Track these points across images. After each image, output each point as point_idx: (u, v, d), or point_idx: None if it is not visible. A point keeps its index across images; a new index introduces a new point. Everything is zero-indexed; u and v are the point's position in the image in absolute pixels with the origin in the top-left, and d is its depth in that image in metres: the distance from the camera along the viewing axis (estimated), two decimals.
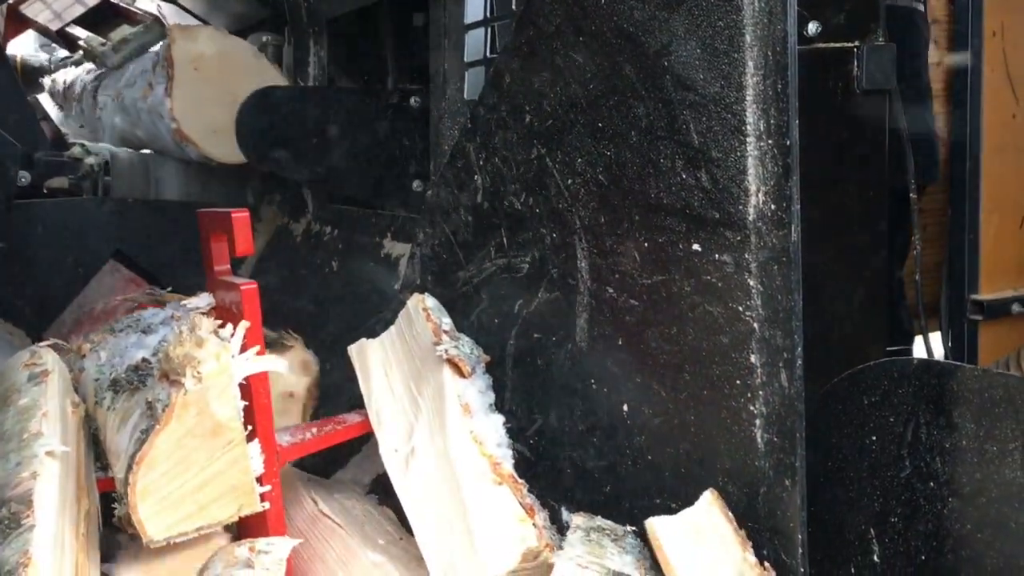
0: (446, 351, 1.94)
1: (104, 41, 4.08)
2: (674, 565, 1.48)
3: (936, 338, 3.09)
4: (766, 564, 1.48)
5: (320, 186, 3.22)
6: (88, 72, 4.13)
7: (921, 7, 2.86)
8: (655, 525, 1.53)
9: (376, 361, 2.13)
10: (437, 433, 1.88)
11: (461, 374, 1.94)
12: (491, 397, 1.99)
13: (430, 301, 2.11)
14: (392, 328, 2.16)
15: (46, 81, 4.73)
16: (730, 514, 1.53)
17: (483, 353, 2.02)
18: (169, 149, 3.33)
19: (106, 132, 3.79)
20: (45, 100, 4.89)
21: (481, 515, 1.74)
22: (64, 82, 4.40)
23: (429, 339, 2.02)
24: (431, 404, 1.93)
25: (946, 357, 3.15)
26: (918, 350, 3.00)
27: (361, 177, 2.97)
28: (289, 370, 1.97)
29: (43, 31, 4.80)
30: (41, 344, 2.08)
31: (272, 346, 1.95)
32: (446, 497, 1.80)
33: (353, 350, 2.21)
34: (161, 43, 3.15)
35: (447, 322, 2.07)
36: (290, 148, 2.94)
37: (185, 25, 3.17)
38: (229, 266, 2.05)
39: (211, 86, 3.12)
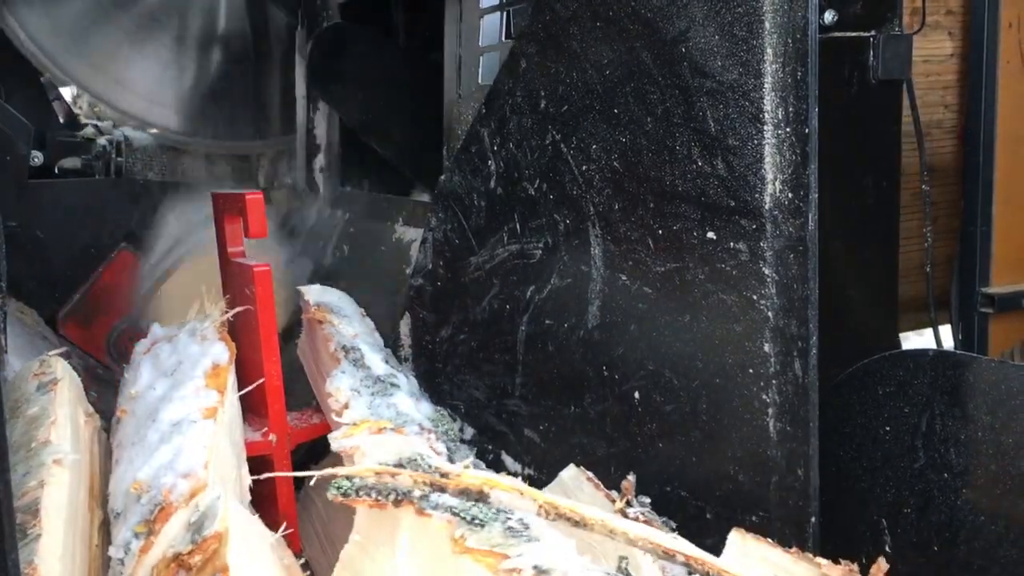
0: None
1: None
2: None
3: (945, 331, 3.08)
4: None
5: (362, 133, 3.20)
6: None
7: None
8: None
9: None
10: None
11: None
12: None
13: None
14: None
15: None
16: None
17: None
18: None
19: None
20: None
21: None
22: None
23: None
24: None
25: (955, 350, 3.14)
26: (927, 342, 2.99)
27: (399, 141, 2.99)
28: None
29: None
30: (51, 353, 2.06)
31: None
32: None
33: None
34: None
35: None
36: (349, 86, 2.96)
37: None
38: (243, 247, 2.06)
39: None
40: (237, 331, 2.06)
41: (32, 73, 3.29)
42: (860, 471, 1.61)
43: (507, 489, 1.35)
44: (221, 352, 1.95)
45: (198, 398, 1.82)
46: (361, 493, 1.37)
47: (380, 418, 1.86)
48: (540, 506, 1.33)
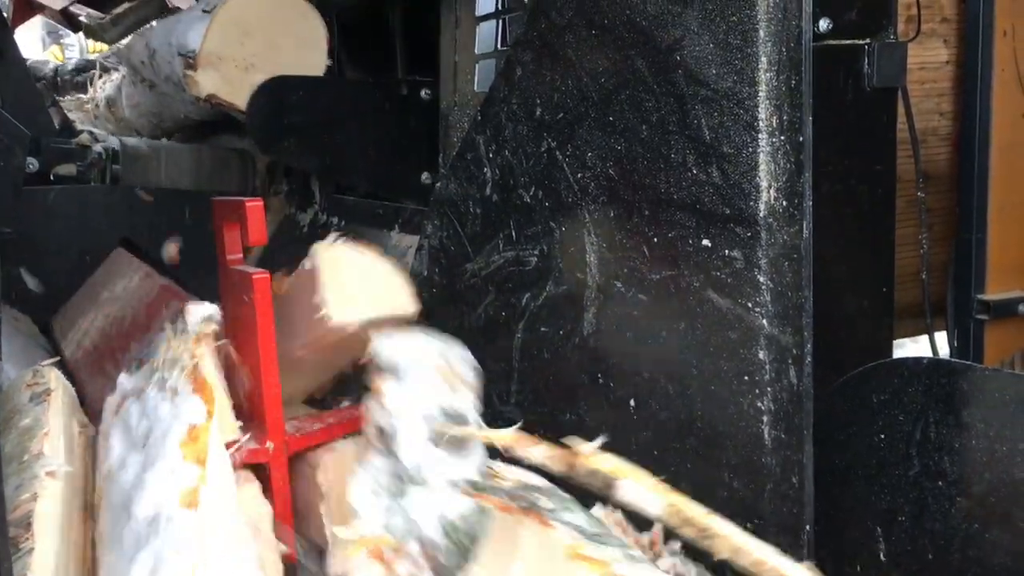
0: None
1: (103, 16, 4.09)
2: None
3: (942, 338, 3.08)
4: None
5: (328, 176, 3.21)
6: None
7: None
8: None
9: None
10: None
11: None
12: None
13: None
14: None
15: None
16: None
17: None
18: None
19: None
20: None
21: None
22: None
23: None
24: None
25: (951, 357, 3.15)
26: (923, 350, 2.99)
27: (369, 169, 2.96)
28: None
29: (49, 14, 4.81)
30: (44, 363, 2.04)
31: None
32: None
33: None
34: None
35: None
36: (299, 137, 2.93)
37: None
38: (242, 255, 2.05)
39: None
40: (235, 338, 2.06)
41: (28, 79, 3.29)
42: (855, 479, 1.61)
43: (638, 479, 1.35)
44: (196, 409, 1.65)
45: (174, 477, 1.55)
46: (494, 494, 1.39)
47: (393, 528, 1.58)
48: (669, 505, 1.33)
